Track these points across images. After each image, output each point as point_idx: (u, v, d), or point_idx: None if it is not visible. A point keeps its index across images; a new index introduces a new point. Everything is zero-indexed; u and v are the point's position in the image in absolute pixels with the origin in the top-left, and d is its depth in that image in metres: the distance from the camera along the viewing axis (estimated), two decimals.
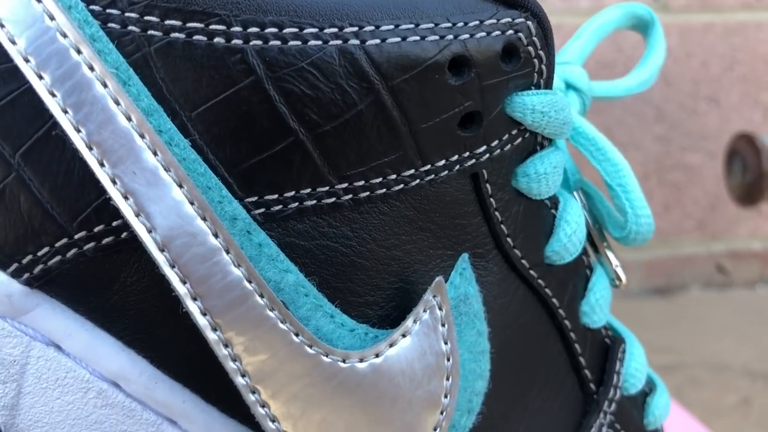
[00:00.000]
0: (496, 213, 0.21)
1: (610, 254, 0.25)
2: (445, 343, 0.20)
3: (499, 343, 0.21)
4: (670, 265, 0.90)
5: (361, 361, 0.19)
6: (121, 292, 0.18)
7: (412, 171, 0.19)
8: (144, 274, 0.18)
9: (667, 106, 0.89)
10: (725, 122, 0.86)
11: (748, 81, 0.92)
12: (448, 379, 0.20)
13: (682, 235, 0.97)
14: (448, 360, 0.20)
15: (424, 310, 0.19)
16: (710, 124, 0.88)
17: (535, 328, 0.22)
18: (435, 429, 0.20)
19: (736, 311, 0.84)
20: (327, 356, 0.18)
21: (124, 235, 0.18)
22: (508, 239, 0.21)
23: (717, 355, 0.72)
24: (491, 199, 0.21)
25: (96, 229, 0.18)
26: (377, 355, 0.19)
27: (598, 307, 0.23)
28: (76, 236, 0.18)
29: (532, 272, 0.22)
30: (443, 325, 0.20)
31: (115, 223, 0.18)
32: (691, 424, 0.44)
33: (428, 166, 0.19)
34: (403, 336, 0.19)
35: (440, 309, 0.20)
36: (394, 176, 0.19)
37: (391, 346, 0.19)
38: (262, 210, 0.18)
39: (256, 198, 0.18)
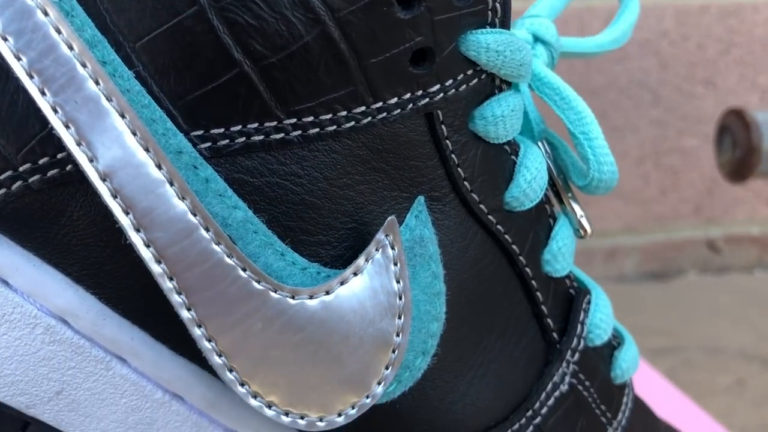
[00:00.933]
0: (453, 155, 0.21)
1: (574, 205, 0.24)
2: (398, 282, 0.19)
3: (456, 287, 0.21)
4: (667, 250, 0.89)
5: (311, 298, 0.19)
6: (68, 226, 0.18)
7: (363, 108, 0.19)
8: (91, 208, 0.18)
9: (663, 90, 0.89)
10: (722, 105, 0.85)
11: (744, 63, 0.91)
12: (400, 317, 0.19)
13: (679, 219, 0.97)
14: (400, 299, 0.19)
15: (377, 249, 0.19)
16: (707, 107, 0.87)
17: (494, 274, 0.22)
18: (387, 367, 0.19)
19: (733, 295, 0.84)
20: (275, 292, 0.18)
21: (69, 167, 0.18)
22: (466, 183, 0.21)
23: (712, 338, 0.71)
24: (447, 141, 0.20)
25: (41, 161, 0.18)
26: (328, 293, 0.19)
27: (561, 255, 0.23)
28: (21, 168, 0.18)
29: (490, 217, 0.22)
30: (395, 264, 0.19)
31: (59, 155, 0.18)
32: (685, 403, 0.44)
33: (380, 104, 0.19)
34: (355, 274, 0.19)
35: (392, 248, 0.19)
36: (344, 113, 0.19)
37: (342, 284, 0.19)
38: (208, 144, 0.18)
39: (202, 132, 0.18)
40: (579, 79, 0.86)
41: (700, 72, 0.89)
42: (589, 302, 0.24)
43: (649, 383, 0.47)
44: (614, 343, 0.26)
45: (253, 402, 0.18)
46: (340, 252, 0.20)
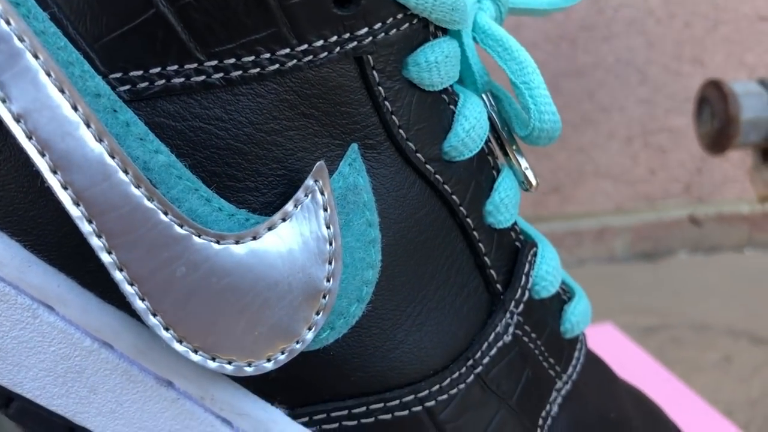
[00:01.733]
0: (386, 102, 0.20)
1: (519, 157, 0.24)
2: (327, 228, 0.19)
3: (393, 236, 0.21)
4: (657, 229, 0.89)
5: (237, 243, 0.19)
6: None
7: (287, 50, 0.19)
8: (11, 154, 0.18)
9: (651, 69, 0.88)
10: None
11: (732, 41, 0.91)
12: (330, 263, 0.19)
13: (669, 199, 0.96)
14: (330, 244, 0.19)
15: (306, 195, 0.19)
16: (694, 85, 0.87)
17: (434, 224, 0.22)
18: (318, 313, 0.19)
19: (723, 274, 0.84)
20: (199, 237, 0.18)
21: None
22: (401, 131, 0.21)
23: (701, 315, 0.71)
24: (380, 88, 0.20)
25: None
26: (254, 238, 0.19)
27: (503, 206, 0.23)
28: None
29: (428, 167, 0.22)
30: (325, 210, 0.19)
31: None
32: (671, 381, 0.44)
33: (305, 46, 0.19)
34: (283, 220, 0.19)
35: (322, 194, 0.19)
36: (267, 55, 0.19)
37: (269, 229, 0.19)
38: (127, 87, 0.18)
39: (120, 74, 0.18)
40: (565, 59, 0.85)
41: (688, 50, 0.89)
42: (535, 254, 0.24)
43: (634, 361, 0.47)
44: (564, 297, 0.26)
45: (179, 347, 0.18)
46: (270, 199, 0.20)
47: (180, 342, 0.18)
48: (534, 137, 0.23)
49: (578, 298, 0.25)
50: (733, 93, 0.55)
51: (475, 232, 0.23)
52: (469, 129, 0.22)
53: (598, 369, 0.27)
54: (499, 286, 0.23)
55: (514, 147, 0.24)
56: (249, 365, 0.19)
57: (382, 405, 0.21)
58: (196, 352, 0.18)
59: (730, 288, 0.78)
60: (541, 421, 0.23)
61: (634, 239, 0.88)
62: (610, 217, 0.90)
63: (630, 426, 0.27)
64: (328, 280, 0.19)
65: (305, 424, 0.20)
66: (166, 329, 0.18)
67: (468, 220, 0.23)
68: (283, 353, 0.19)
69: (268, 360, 0.19)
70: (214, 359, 0.19)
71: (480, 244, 0.23)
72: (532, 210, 0.93)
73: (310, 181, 0.19)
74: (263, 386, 0.20)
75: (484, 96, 0.24)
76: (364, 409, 0.20)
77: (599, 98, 0.95)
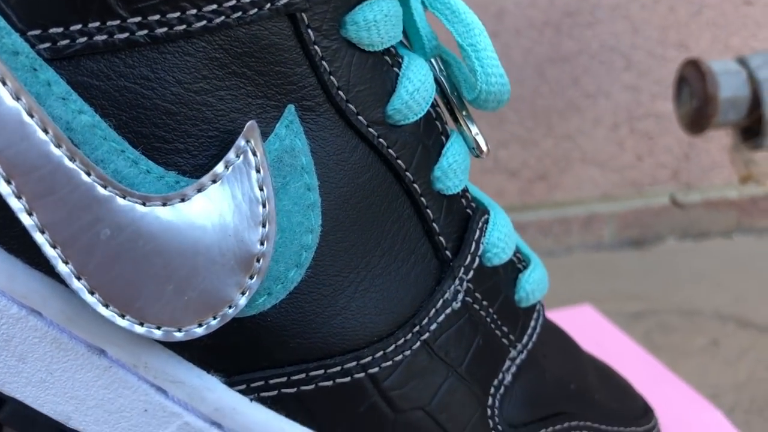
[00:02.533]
0: (323, 63, 0.20)
1: (470, 123, 0.24)
2: (261, 189, 0.19)
3: (335, 200, 0.21)
4: (645, 216, 0.89)
5: (165, 205, 0.18)
6: None
7: (214, 6, 0.18)
8: None
9: (636, 54, 0.88)
10: None
11: (717, 25, 0.90)
12: (263, 225, 0.19)
13: (657, 185, 0.96)
14: (264, 206, 0.19)
15: (237, 155, 0.19)
16: None
17: (379, 189, 0.21)
18: (251, 277, 0.19)
19: (711, 259, 0.83)
20: (124, 198, 0.18)
21: None
22: (340, 92, 0.20)
23: (688, 301, 0.71)
24: (316, 47, 0.20)
25: None
26: (183, 200, 0.18)
27: (452, 172, 0.23)
28: None
29: (371, 130, 0.21)
30: (258, 171, 0.19)
31: None
32: (650, 362, 0.43)
33: (233, 2, 0.18)
34: (214, 182, 0.19)
35: (254, 154, 0.19)
36: (194, 11, 0.18)
37: (199, 191, 0.18)
38: (47, 45, 0.18)
39: (39, 31, 0.17)
40: (549, 45, 0.85)
41: (673, 35, 0.89)
42: (486, 221, 0.24)
43: (613, 342, 0.46)
44: (519, 266, 0.25)
45: (104, 311, 0.18)
46: (202, 161, 0.19)
47: (106, 306, 0.18)
48: (482, 100, 0.23)
49: (533, 267, 0.25)
50: (711, 72, 0.54)
51: (422, 198, 0.22)
52: (413, 91, 0.21)
53: (558, 340, 0.27)
54: (448, 252, 0.23)
55: (464, 113, 0.24)
56: (179, 330, 0.18)
57: (322, 372, 0.20)
58: (123, 316, 0.18)
59: (719, 273, 0.78)
60: (492, 390, 0.23)
61: (622, 226, 0.88)
62: (597, 204, 0.90)
63: (592, 398, 0.26)
64: (262, 243, 0.19)
65: (242, 392, 0.20)
66: (91, 293, 0.18)
67: (415, 185, 0.22)
68: (215, 318, 0.19)
69: (200, 325, 0.19)
70: (142, 324, 0.18)
71: (428, 211, 0.22)
72: (519, 198, 0.93)
73: (241, 142, 0.19)
74: (198, 353, 0.20)
75: (433, 60, 0.24)
76: (303, 375, 0.20)
77: (584, 84, 0.94)
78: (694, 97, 0.55)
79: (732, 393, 0.55)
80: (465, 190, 0.24)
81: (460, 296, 0.23)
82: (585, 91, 0.92)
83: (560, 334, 0.27)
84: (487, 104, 0.23)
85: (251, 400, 0.20)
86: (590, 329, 0.46)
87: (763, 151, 0.57)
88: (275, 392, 0.20)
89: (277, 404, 0.20)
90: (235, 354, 0.20)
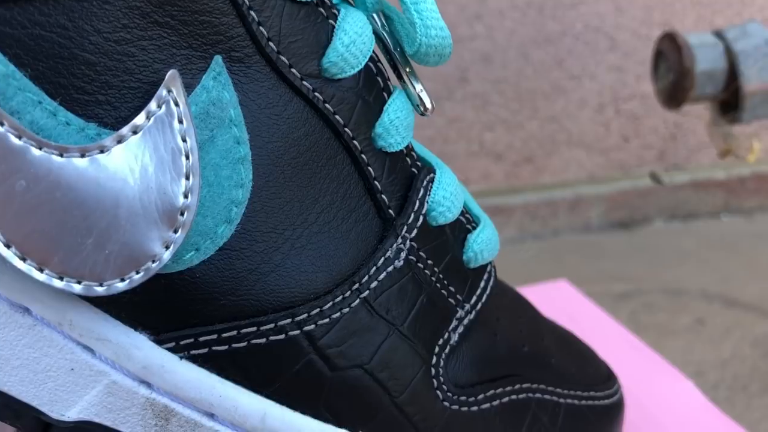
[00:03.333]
0: (252, 12, 0.19)
1: (413, 80, 0.23)
2: (184, 141, 0.18)
3: (269, 155, 0.20)
4: (632, 198, 0.88)
5: (83, 156, 0.18)
6: None
7: None
8: None
9: (620, 34, 0.87)
10: None
11: (701, 4, 0.89)
12: (187, 178, 0.18)
13: (644, 166, 0.95)
14: (188, 158, 0.18)
15: (158, 106, 0.18)
16: None
17: (316, 145, 0.21)
18: (176, 231, 0.18)
19: (699, 240, 0.83)
20: (40, 149, 0.17)
21: None
22: (271, 43, 0.20)
23: (675, 281, 0.71)
24: None
25: None
26: (102, 151, 0.18)
27: (394, 129, 0.22)
28: None
29: (305, 83, 0.21)
30: (181, 122, 0.18)
31: None
32: (631, 341, 0.43)
33: None
34: (134, 132, 0.18)
35: (176, 105, 0.18)
36: None
37: (119, 142, 0.18)
38: None
39: None
40: (533, 27, 0.84)
41: (657, 15, 0.88)
42: (432, 180, 0.23)
43: (588, 316, 0.46)
44: (468, 226, 0.25)
45: (22, 265, 0.17)
46: (124, 113, 0.19)
47: (23, 260, 0.17)
48: (422, 54, 0.22)
49: (483, 227, 0.25)
50: (688, 44, 0.53)
51: (363, 155, 0.22)
52: (349, 44, 0.21)
53: (513, 303, 0.26)
54: (391, 211, 0.22)
55: (408, 69, 0.23)
56: (100, 285, 0.18)
57: (255, 329, 0.20)
58: (41, 270, 0.18)
59: (706, 253, 0.77)
60: (437, 349, 0.22)
61: (609, 208, 0.87)
62: (584, 186, 0.89)
63: (548, 361, 0.26)
64: (186, 196, 0.18)
65: (171, 350, 0.19)
66: (7, 246, 0.17)
67: (355, 142, 0.22)
68: (138, 273, 0.18)
69: (122, 280, 0.18)
70: (61, 278, 0.18)
71: (369, 168, 0.22)
72: (506, 181, 0.92)
73: (162, 92, 0.18)
74: (125, 310, 0.19)
75: (375, 15, 0.23)
76: (234, 333, 0.20)
77: (569, 66, 0.93)
78: (671, 70, 0.54)
79: (716, 370, 0.55)
80: (410, 149, 0.23)
81: (403, 255, 0.22)
82: (569, 72, 0.91)
83: (517, 298, 0.27)
84: (428, 58, 0.22)
85: (181, 358, 0.19)
86: (565, 304, 0.46)
87: (742, 124, 0.56)
88: (206, 350, 0.20)
89: (209, 362, 0.20)
90: (163, 311, 0.19)
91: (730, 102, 0.55)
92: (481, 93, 0.90)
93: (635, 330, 0.57)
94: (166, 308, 0.19)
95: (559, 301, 0.46)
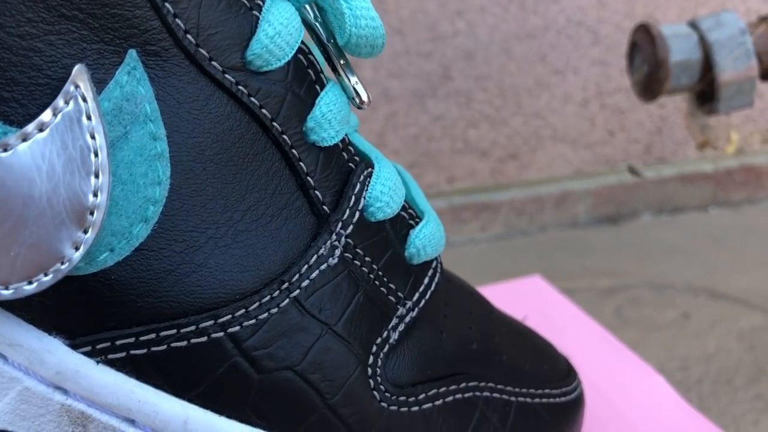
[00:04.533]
0: (167, 4, 0.19)
1: (348, 72, 0.23)
2: (92, 138, 0.18)
3: (188, 151, 0.19)
4: (619, 193, 0.88)
5: None
6: None
7: None
8: None
9: (603, 28, 0.87)
10: None
11: None
12: (97, 176, 0.18)
13: (630, 160, 0.95)
14: (96, 155, 0.18)
15: (65, 102, 0.18)
16: None
17: (242, 140, 0.20)
18: (85, 231, 0.18)
19: (686, 233, 0.82)
20: None
21: None
22: (189, 36, 0.19)
23: (661, 275, 0.70)
24: None
25: None
26: (5, 150, 0.17)
27: (327, 123, 0.21)
28: None
29: (228, 77, 0.20)
30: (89, 118, 0.18)
31: None
32: (603, 336, 0.42)
33: None
34: (41, 130, 0.17)
35: (84, 100, 0.18)
36: None
37: (24, 140, 0.17)
38: None
39: None
40: (515, 22, 0.84)
41: (640, 8, 0.87)
42: (369, 175, 0.23)
43: (560, 312, 0.45)
44: (411, 222, 0.24)
45: None
46: (32, 111, 0.18)
47: None
48: (353, 45, 0.22)
49: (426, 222, 0.24)
50: (662, 35, 0.53)
51: (294, 150, 0.21)
52: (274, 35, 0.20)
53: (463, 299, 0.26)
54: (326, 207, 0.22)
55: (342, 61, 0.23)
56: (6, 288, 0.17)
57: (174, 331, 0.19)
58: None
59: (693, 247, 0.77)
60: (375, 348, 0.22)
61: (596, 203, 0.87)
62: (570, 181, 0.89)
63: (497, 359, 0.25)
64: (95, 195, 0.18)
65: (88, 354, 0.19)
66: None
67: (284, 136, 0.21)
68: (46, 275, 0.17)
69: (30, 282, 0.17)
70: None
71: (301, 163, 0.21)
72: (491, 178, 0.92)
73: (69, 87, 0.18)
74: (38, 314, 0.19)
75: (308, 6, 0.23)
76: (153, 336, 0.19)
77: (552, 61, 0.93)
78: (646, 62, 0.54)
79: (701, 364, 0.54)
80: (347, 143, 0.23)
81: (338, 252, 0.21)
82: (553, 67, 0.91)
83: (469, 294, 0.26)
84: (360, 49, 0.22)
85: (97, 362, 0.19)
86: (537, 299, 0.45)
87: (718, 115, 0.56)
88: (123, 354, 0.19)
89: (127, 366, 0.19)
90: (78, 314, 0.19)
91: (706, 93, 0.54)
92: (465, 90, 0.90)
93: (621, 325, 0.57)
94: (81, 311, 0.19)
95: (531, 297, 0.46)
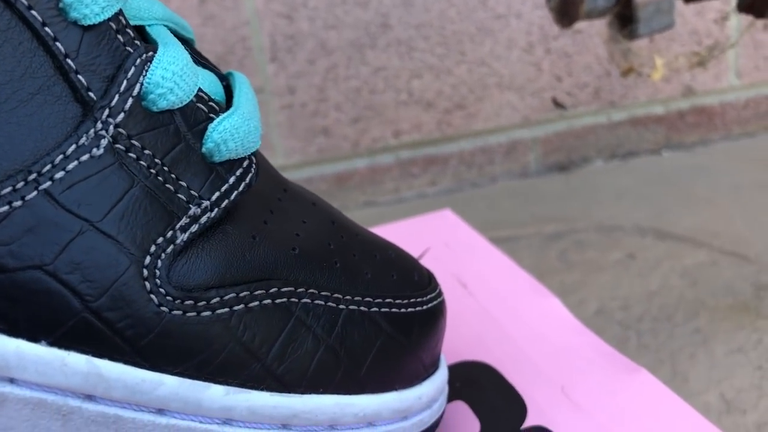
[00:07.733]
0: None
1: None
2: None
3: None
4: (569, 139, 0.86)
5: None
6: None
7: None
8: None
9: None
10: None
11: None
12: None
13: (579, 106, 0.93)
14: None
15: None
16: None
17: None
18: None
19: (638, 177, 0.81)
20: None
21: None
22: None
23: (609, 218, 0.68)
24: None
25: None
26: None
27: None
28: None
29: None
30: None
31: None
32: (512, 267, 0.40)
33: None
34: None
35: None
36: None
37: None
38: None
39: None
40: None
41: None
42: (150, 59, 0.20)
43: (471, 246, 0.43)
44: (212, 115, 0.21)
45: None
46: None
47: None
48: None
49: (230, 115, 0.21)
50: None
51: (47, 29, 0.19)
52: None
53: (296, 208, 0.23)
54: (92, 94, 0.19)
55: None
56: None
57: None
58: None
59: (643, 190, 0.75)
60: (154, 248, 0.19)
61: (547, 151, 0.85)
62: (519, 130, 0.87)
63: (326, 265, 0.23)
64: None
65: None
66: None
67: (33, 12, 0.19)
68: None
69: None
70: None
71: (59, 44, 0.19)
72: (438, 130, 0.90)
73: None
74: None
75: None
76: None
77: (493, 5, 0.91)
78: None
79: (642, 302, 0.53)
80: (124, 25, 0.20)
81: (105, 142, 0.19)
82: (495, 11, 0.89)
83: (308, 204, 0.24)
84: None
85: None
86: (444, 232, 0.43)
87: (640, 38, 0.53)
88: None
89: None
90: None
91: (626, 16, 0.52)
92: (405, 39, 0.87)
93: (564, 268, 0.55)
94: None
95: (439, 230, 0.44)
